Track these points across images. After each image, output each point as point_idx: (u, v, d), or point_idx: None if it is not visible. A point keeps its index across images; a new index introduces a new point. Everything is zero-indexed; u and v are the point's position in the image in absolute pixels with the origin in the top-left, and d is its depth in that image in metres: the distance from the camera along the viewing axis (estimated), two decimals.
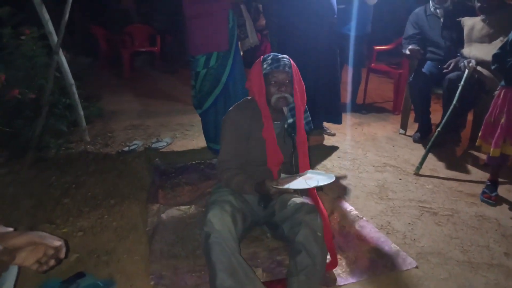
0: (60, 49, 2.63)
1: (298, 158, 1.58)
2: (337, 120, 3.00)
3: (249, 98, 1.65)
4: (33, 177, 2.33)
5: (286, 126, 1.60)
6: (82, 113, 2.92)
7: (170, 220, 1.84)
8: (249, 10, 2.74)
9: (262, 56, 1.60)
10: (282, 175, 1.49)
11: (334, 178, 1.42)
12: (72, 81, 2.79)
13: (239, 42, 2.63)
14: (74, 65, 3.00)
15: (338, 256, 1.55)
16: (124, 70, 5.43)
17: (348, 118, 3.53)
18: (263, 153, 1.54)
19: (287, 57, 1.58)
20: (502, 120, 1.98)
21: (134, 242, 1.70)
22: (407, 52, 2.90)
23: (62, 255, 0.85)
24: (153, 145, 2.84)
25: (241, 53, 2.71)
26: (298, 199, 1.54)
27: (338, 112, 2.97)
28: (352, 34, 3.28)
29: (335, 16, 2.78)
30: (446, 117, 2.47)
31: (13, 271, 0.87)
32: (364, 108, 3.85)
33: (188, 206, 1.96)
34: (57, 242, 0.84)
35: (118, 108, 3.83)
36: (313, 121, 2.96)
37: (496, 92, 2.14)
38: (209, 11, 2.37)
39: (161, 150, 2.80)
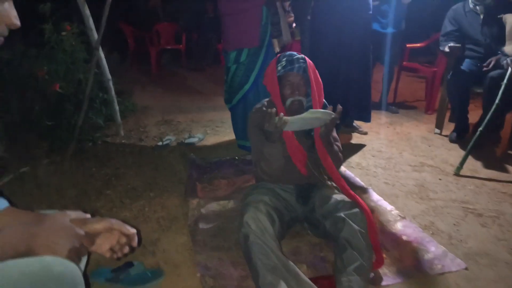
0: (100, 46, 2.71)
1: (319, 155, 1.55)
2: (367, 118, 2.95)
3: (268, 99, 1.65)
4: (74, 168, 2.40)
5: None
6: (117, 108, 2.99)
7: (210, 214, 1.86)
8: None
9: (278, 55, 1.60)
10: (286, 118, 1.37)
11: (333, 114, 1.40)
12: (109, 76, 2.87)
13: (273, 40, 2.63)
14: (107, 61, 3.08)
15: (383, 255, 1.53)
16: (152, 67, 5.53)
17: (379, 117, 3.48)
18: (286, 150, 1.54)
19: (303, 57, 1.56)
20: None
21: (177, 233, 1.73)
22: (446, 49, 2.83)
23: (135, 243, 0.87)
24: (186, 141, 2.88)
25: (277, 50, 2.71)
26: (338, 196, 1.53)
27: (368, 110, 2.92)
28: (388, 31, 3.23)
29: (370, 12, 2.74)
30: (488, 116, 2.39)
31: (85, 256, 0.90)
32: (395, 105, 3.79)
33: (226, 201, 1.97)
34: (132, 230, 0.86)
35: (149, 104, 3.91)
36: (344, 119, 2.97)
37: None
38: (243, 8, 2.38)
39: (194, 145, 2.84)
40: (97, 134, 2.86)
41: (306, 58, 1.57)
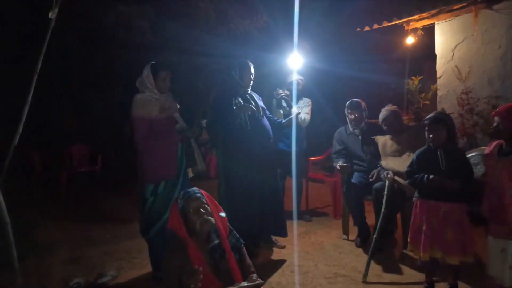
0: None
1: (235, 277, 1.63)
2: (283, 234, 3.14)
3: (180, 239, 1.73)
4: None
5: (210, 247, 1.68)
6: (15, 253, 2.66)
7: None
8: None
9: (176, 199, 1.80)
10: None
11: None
12: (7, 219, 2.60)
13: (188, 169, 2.81)
14: (9, 190, 2.82)
15: None
16: (62, 193, 5.17)
17: (295, 228, 3.70)
18: None
19: (197, 189, 1.78)
20: (424, 228, 2.29)
21: None
22: (338, 167, 3.33)
23: None
24: (97, 282, 2.63)
25: (191, 175, 2.87)
26: None
27: (283, 226, 3.14)
28: (294, 150, 3.64)
29: (271, 140, 3.16)
30: (379, 224, 2.76)
31: None
32: (308, 213, 4.11)
33: None
34: None
35: (56, 238, 3.56)
36: (262, 236, 3.11)
37: (414, 200, 2.52)
38: (160, 145, 2.58)
39: (106, 285, 2.60)
40: None
41: (201, 190, 1.75)
